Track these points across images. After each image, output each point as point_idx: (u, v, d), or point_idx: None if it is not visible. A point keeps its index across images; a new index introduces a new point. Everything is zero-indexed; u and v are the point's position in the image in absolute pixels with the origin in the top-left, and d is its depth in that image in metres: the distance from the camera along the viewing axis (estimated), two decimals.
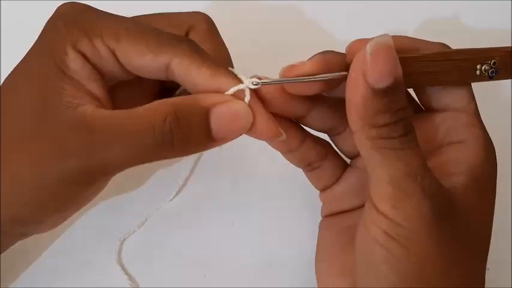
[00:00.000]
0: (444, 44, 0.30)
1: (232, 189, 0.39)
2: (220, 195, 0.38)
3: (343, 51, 0.29)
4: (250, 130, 0.28)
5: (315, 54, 0.28)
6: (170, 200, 0.38)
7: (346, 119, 0.27)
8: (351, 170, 0.33)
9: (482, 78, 0.29)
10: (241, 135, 0.28)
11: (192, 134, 0.26)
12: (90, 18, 0.28)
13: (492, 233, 0.29)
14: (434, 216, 0.25)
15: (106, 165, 0.26)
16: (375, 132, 0.25)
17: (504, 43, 0.39)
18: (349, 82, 0.26)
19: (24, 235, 0.31)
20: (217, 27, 0.32)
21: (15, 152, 0.27)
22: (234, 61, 0.32)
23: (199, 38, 0.30)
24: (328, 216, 0.33)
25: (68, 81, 0.27)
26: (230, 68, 0.28)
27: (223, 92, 0.27)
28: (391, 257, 0.25)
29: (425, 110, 0.31)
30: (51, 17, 0.28)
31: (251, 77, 0.27)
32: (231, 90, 0.27)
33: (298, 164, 0.32)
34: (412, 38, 0.29)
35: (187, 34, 0.31)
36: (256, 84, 0.27)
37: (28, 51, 0.29)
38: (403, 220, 0.25)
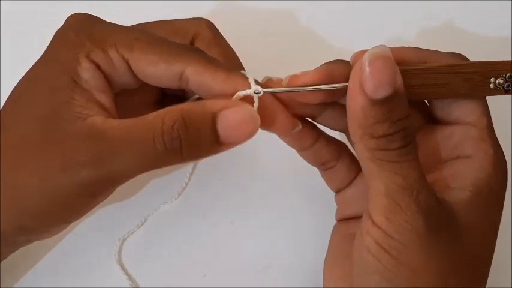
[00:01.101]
0: (459, 54, 0.29)
1: (232, 189, 0.39)
2: (220, 195, 0.38)
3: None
4: (268, 124, 0.29)
5: (322, 64, 0.28)
6: (171, 202, 0.38)
7: None
8: (362, 174, 0.33)
9: (496, 91, 0.28)
10: (250, 138, 0.27)
11: (201, 140, 0.26)
12: (102, 29, 0.28)
13: None
14: (428, 231, 0.25)
15: (116, 175, 0.26)
16: (373, 143, 0.26)
17: (504, 43, 0.39)
18: (349, 92, 0.26)
19: (28, 242, 0.31)
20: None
21: (23, 162, 0.27)
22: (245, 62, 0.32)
23: (205, 44, 0.31)
24: (340, 220, 0.34)
25: (79, 91, 0.27)
26: (242, 71, 0.28)
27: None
28: (382, 268, 0.26)
29: (436, 121, 0.31)
30: (60, 28, 0.29)
31: (263, 79, 0.28)
32: (236, 96, 0.27)
33: (312, 163, 0.33)
34: (422, 49, 0.29)
35: (192, 42, 0.31)
36: (258, 93, 0.27)
37: (37, 60, 0.29)
38: (395, 233, 0.25)
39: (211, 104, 0.27)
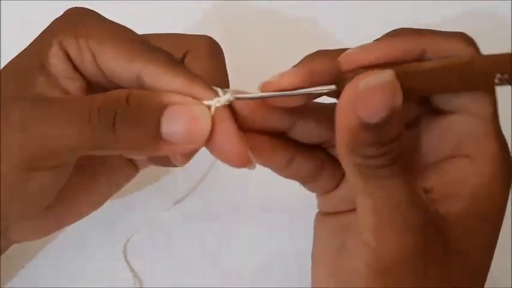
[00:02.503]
0: (462, 35, 0.26)
1: (233, 189, 0.39)
2: (221, 195, 0.38)
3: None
4: (213, 147, 0.26)
5: (301, 61, 0.26)
6: (175, 204, 0.38)
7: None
8: None
9: (502, 84, 0.26)
10: (195, 145, 0.26)
11: (139, 125, 0.25)
12: (85, 20, 0.28)
13: None
14: (417, 250, 0.24)
15: (50, 146, 0.25)
16: (359, 160, 0.24)
17: (505, 44, 0.39)
18: (339, 108, 0.24)
19: (6, 244, 0.30)
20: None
21: None
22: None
23: (195, 59, 0.29)
24: (323, 214, 0.32)
25: (45, 74, 0.27)
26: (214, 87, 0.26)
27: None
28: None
29: (436, 110, 0.28)
30: (56, 18, 0.29)
31: (225, 91, 0.26)
32: (214, 101, 0.25)
33: (290, 178, 0.30)
34: (420, 34, 0.26)
35: (184, 56, 0.30)
36: (236, 99, 0.25)
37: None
38: (383, 253, 0.25)
39: (165, 95, 0.25)
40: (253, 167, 0.27)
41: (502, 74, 0.25)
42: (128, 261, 0.36)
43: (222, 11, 0.43)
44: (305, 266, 0.34)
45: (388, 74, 0.24)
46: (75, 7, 0.29)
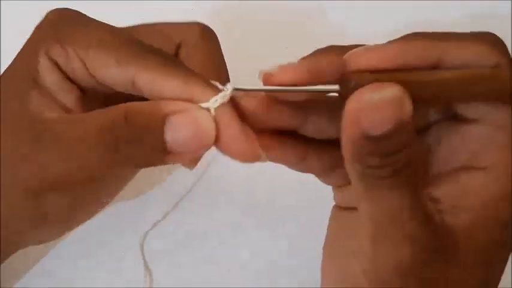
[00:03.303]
0: (489, 37, 0.24)
1: (235, 188, 0.39)
2: (220, 195, 0.38)
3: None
4: (219, 146, 0.25)
5: (308, 56, 0.25)
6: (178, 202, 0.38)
7: None
8: None
9: None
10: (203, 150, 0.25)
11: (143, 143, 0.24)
12: (69, 25, 0.26)
13: None
14: (415, 263, 0.23)
15: (48, 171, 0.24)
16: (361, 168, 0.23)
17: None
18: (343, 117, 0.23)
19: (25, 245, 0.29)
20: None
21: None
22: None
23: (190, 52, 0.28)
24: (339, 207, 0.31)
25: (38, 89, 0.26)
26: (213, 81, 0.25)
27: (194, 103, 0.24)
28: None
29: (455, 116, 0.26)
30: (38, 23, 0.27)
31: (226, 87, 0.25)
32: (211, 102, 0.24)
33: (304, 172, 0.29)
34: (436, 40, 0.24)
35: (178, 48, 0.29)
36: (237, 89, 0.24)
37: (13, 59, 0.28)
38: (380, 263, 0.24)
39: (164, 105, 0.24)
40: (265, 160, 0.26)
41: None
42: (144, 259, 0.36)
43: (221, 11, 0.43)
44: (308, 266, 0.34)
45: (396, 90, 0.22)
46: (57, 9, 0.27)
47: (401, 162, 0.23)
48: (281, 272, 0.36)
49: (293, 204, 0.38)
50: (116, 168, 0.25)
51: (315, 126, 0.27)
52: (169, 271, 0.36)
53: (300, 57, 0.25)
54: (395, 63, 0.23)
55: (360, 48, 0.24)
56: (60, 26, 0.26)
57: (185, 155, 0.25)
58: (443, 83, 0.23)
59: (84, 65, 0.26)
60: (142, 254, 0.36)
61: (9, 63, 0.29)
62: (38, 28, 0.27)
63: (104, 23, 0.27)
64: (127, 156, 0.24)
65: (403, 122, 0.22)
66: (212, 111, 0.24)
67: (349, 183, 0.29)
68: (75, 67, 0.26)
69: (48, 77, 0.26)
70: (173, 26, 0.30)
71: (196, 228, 0.37)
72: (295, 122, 0.27)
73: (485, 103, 0.24)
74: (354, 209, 0.29)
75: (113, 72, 0.25)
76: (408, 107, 0.22)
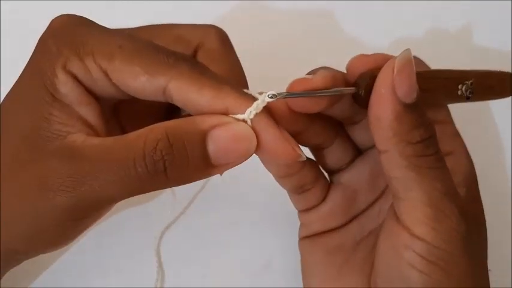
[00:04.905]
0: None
1: (234, 189, 0.39)
2: (221, 195, 0.38)
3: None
4: (260, 152, 0.25)
5: (319, 69, 0.26)
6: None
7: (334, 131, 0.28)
8: (335, 187, 0.31)
9: (460, 98, 0.29)
10: (246, 159, 0.25)
11: (188, 162, 0.24)
12: (82, 34, 0.25)
13: (493, 232, 0.29)
14: (467, 235, 0.25)
15: (96, 199, 0.24)
16: (411, 150, 0.25)
17: (505, 44, 0.39)
18: (376, 99, 0.25)
19: (19, 262, 0.29)
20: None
21: (7, 181, 0.25)
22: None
23: (209, 56, 0.28)
24: (311, 236, 0.31)
25: (58, 106, 0.25)
26: (245, 89, 0.26)
27: (230, 114, 0.24)
28: (431, 281, 0.24)
29: None
30: (43, 34, 0.26)
31: (260, 93, 0.25)
32: (246, 114, 0.24)
33: (291, 188, 0.30)
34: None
35: (196, 51, 0.29)
36: (272, 97, 0.24)
37: (21, 72, 0.27)
38: (442, 242, 0.24)
39: (201, 121, 0.24)
40: (303, 159, 0.26)
41: (462, 84, 0.29)
42: (159, 256, 0.36)
43: (222, 11, 0.43)
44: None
45: (409, 52, 0.24)
46: (61, 17, 0.26)
47: (436, 138, 0.25)
48: (279, 272, 0.36)
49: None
50: (162, 188, 0.25)
51: (316, 130, 0.28)
52: (180, 272, 0.36)
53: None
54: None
55: (358, 56, 0.27)
56: (71, 35, 0.25)
57: (228, 166, 0.25)
58: (421, 73, 0.26)
59: (106, 75, 0.25)
60: (158, 255, 0.36)
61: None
62: (46, 39, 0.26)
63: (113, 29, 0.26)
64: (173, 178, 0.24)
65: (419, 94, 0.24)
66: (249, 121, 0.24)
67: (320, 201, 0.30)
68: (96, 79, 0.25)
69: (68, 92, 0.25)
70: (189, 28, 0.29)
71: (205, 229, 0.37)
72: (303, 125, 0.28)
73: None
74: (327, 232, 0.31)
75: (142, 82, 0.24)
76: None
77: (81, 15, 0.27)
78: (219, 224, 0.37)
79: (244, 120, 0.24)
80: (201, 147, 0.24)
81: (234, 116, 0.24)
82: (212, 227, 0.37)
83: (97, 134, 0.26)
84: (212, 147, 0.24)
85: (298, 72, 0.26)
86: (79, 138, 0.25)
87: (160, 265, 0.36)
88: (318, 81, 0.25)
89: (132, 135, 0.24)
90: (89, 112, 0.26)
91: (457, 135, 0.30)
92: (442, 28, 0.44)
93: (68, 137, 0.25)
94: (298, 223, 0.32)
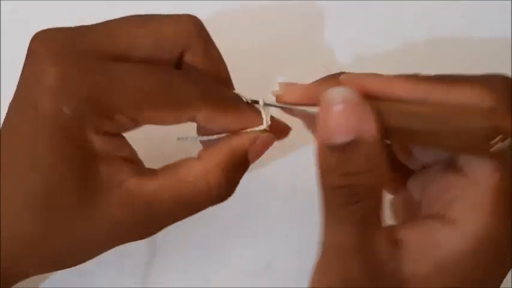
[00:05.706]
0: (488, 81, 0.23)
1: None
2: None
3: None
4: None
5: (318, 80, 0.26)
6: None
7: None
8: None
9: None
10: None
11: (239, 177, 0.28)
12: (102, 85, 0.24)
13: None
14: None
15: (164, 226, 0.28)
16: (323, 189, 0.23)
17: (504, 44, 0.39)
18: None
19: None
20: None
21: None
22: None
23: (196, 59, 0.28)
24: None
25: (101, 161, 0.25)
26: (256, 105, 0.28)
27: (248, 128, 0.28)
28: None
29: (446, 163, 0.25)
30: (43, 80, 0.24)
31: (255, 101, 0.28)
32: (263, 126, 0.28)
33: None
34: (422, 82, 0.23)
35: (181, 55, 0.28)
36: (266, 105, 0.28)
37: (23, 115, 0.25)
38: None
39: (241, 144, 0.27)
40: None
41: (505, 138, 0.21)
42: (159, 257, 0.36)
43: (222, 11, 0.43)
44: (307, 266, 0.34)
45: (349, 92, 0.22)
46: (48, 43, 0.24)
47: (358, 189, 0.22)
48: (278, 272, 0.36)
49: (291, 205, 0.38)
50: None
51: None
52: (180, 272, 0.36)
53: (291, 65, 0.29)
54: (387, 91, 0.23)
55: (350, 73, 0.25)
56: (88, 87, 0.24)
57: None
58: (423, 116, 0.22)
59: (136, 121, 0.25)
60: (158, 255, 0.36)
61: (10, 65, 0.27)
62: (54, 92, 0.23)
63: (132, 65, 0.25)
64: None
65: (363, 138, 0.22)
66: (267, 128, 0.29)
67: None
68: (127, 127, 0.26)
69: (106, 147, 0.25)
70: (169, 26, 0.28)
71: (205, 229, 0.37)
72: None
73: (473, 154, 0.23)
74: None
75: (170, 122, 0.26)
76: (370, 122, 0.22)
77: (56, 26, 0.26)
78: (219, 224, 0.37)
79: (265, 130, 0.28)
80: (246, 163, 0.28)
81: (256, 128, 0.28)
82: (212, 227, 0.37)
83: (141, 171, 0.26)
84: (250, 157, 0.28)
85: (298, 72, 0.26)
86: (132, 183, 0.25)
87: (160, 265, 0.36)
88: (294, 94, 0.26)
89: (189, 177, 0.26)
90: (125, 149, 0.26)
91: (481, 205, 0.23)
92: (442, 28, 0.44)
93: (123, 185, 0.25)
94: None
